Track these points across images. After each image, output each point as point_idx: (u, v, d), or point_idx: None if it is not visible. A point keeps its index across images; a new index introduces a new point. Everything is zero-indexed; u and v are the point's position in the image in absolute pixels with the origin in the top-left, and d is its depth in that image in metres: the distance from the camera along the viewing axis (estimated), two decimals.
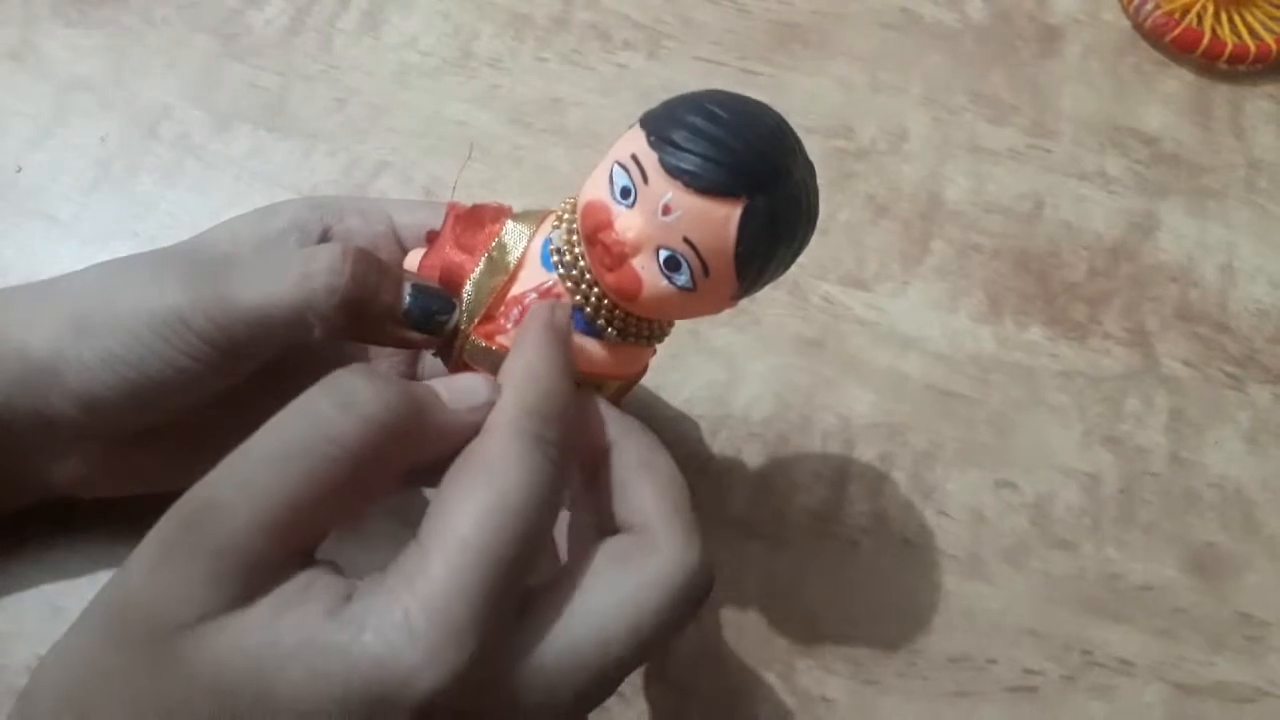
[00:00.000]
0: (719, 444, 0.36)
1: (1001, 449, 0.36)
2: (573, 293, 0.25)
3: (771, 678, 0.32)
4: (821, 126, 0.42)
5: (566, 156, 0.41)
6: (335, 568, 0.22)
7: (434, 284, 0.26)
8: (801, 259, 0.25)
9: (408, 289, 0.26)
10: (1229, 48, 0.44)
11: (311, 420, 0.21)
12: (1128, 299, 0.40)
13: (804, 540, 0.34)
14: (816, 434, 0.36)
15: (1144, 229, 0.41)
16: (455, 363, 0.27)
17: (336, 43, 0.43)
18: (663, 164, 0.22)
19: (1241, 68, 0.45)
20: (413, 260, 0.28)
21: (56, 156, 0.40)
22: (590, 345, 0.25)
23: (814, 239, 0.24)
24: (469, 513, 0.20)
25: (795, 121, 0.23)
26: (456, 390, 0.23)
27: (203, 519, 0.20)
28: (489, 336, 0.26)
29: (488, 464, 0.21)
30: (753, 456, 0.35)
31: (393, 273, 0.26)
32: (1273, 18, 0.46)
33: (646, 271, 0.23)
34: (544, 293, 0.25)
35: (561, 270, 0.25)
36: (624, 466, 0.24)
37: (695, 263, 0.23)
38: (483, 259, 0.26)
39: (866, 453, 0.36)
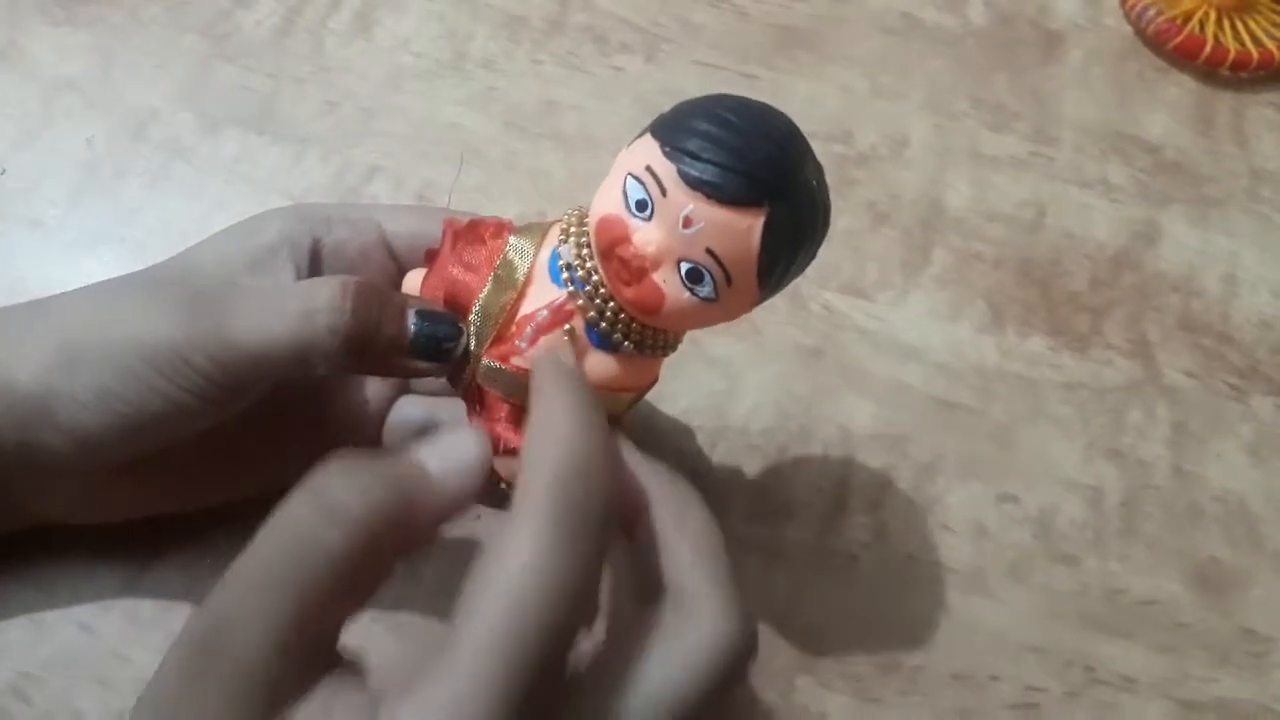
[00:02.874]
0: (718, 455, 0.35)
1: (1003, 461, 0.36)
2: (586, 309, 0.24)
3: (770, 695, 0.31)
4: (821, 132, 0.42)
5: (562, 161, 0.40)
6: (356, 667, 0.21)
7: (439, 309, 0.25)
8: None
9: (412, 317, 0.25)
10: (1231, 55, 0.44)
11: (298, 536, 0.21)
12: (1130, 309, 0.39)
13: (803, 554, 0.34)
14: (816, 445, 0.35)
15: (1146, 238, 0.41)
16: (467, 387, 0.26)
17: (328, 44, 0.42)
18: (682, 175, 0.22)
19: (1244, 75, 0.44)
20: (413, 281, 0.27)
21: (42, 159, 0.39)
22: (607, 360, 0.25)
23: None
24: (489, 613, 0.19)
25: None
26: (445, 458, 0.22)
27: (215, 645, 0.20)
28: (503, 358, 0.25)
29: (508, 553, 0.20)
30: (751, 468, 0.35)
31: (395, 302, 0.25)
32: (1275, 25, 0.45)
33: (669, 285, 0.23)
34: (556, 309, 0.24)
35: (573, 286, 0.24)
36: (661, 522, 0.23)
37: (718, 273, 0.22)
38: (490, 278, 0.25)
39: (867, 464, 0.35)
